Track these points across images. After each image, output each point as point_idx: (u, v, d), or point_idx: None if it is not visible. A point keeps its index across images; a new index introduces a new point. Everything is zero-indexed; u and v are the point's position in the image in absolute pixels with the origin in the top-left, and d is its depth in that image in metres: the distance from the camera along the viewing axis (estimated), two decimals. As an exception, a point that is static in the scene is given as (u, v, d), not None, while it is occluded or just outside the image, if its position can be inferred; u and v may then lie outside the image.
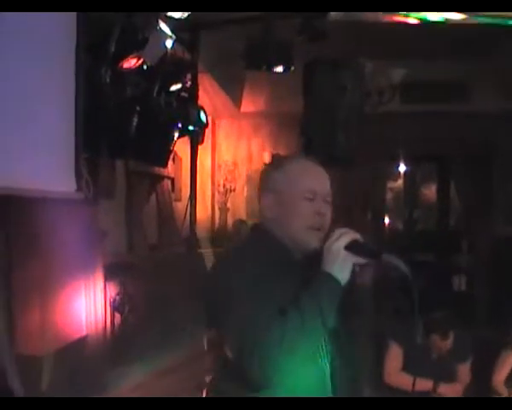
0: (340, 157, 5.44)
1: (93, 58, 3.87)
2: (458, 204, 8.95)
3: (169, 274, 5.89)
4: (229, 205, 8.65)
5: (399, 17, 5.48)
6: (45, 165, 3.33)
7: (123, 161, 5.46)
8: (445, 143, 7.73)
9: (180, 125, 5.29)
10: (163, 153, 5.32)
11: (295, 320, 1.77)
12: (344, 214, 7.98)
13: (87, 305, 4.79)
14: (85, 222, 4.60)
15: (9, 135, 3.01)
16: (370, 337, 5.05)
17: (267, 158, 8.03)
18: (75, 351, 4.58)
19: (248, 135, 8.30)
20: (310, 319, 1.79)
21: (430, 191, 10.12)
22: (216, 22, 5.35)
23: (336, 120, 5.39)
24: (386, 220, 9.55)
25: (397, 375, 4.59)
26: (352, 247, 1.90)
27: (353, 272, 1.91)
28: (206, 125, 5.68)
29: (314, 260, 1.95)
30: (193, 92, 5.61)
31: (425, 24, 5.58)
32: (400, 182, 9.96)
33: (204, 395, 3.78)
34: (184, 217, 6.14)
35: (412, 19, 5.57)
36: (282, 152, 8.00)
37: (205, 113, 5.57)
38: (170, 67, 4.79)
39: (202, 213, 7.77)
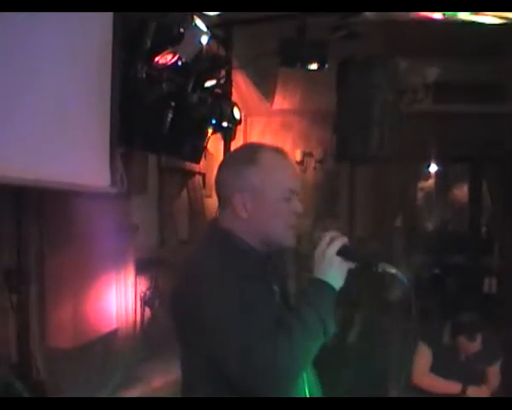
0: (373, 156, 5.42)
1: (129, 54, 3.88)
2: (490, 206, 8.85)
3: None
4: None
5: (434, 16, 5.42)
6: (80, 159, 3.35)
7: (156, 156, 5.48)
8: (477, 144, 7.65)
9: (214, 122, 5.30)
10: (196, 149, 5.33)
11: (300, 330, 1.77)
12: (374, 213, 7.94)
13: (118, 299, 4.84)
14: (118, 216, 4.65)
15: (46, 129, 3.04)
16: (398, 338, 5.04)
17: (299, 156, 7.99)
18: (105, 344, 4.63)
19: (280, 132, 8.27)
20: (313, 327, 1.80)
21: (461, 192, 10.00)
22: (251, 19, 5.34)
23: (370, 118, 5.38)
24: (417, 221, 9.46)
25: (426, 376, 4.56)
26: (343, 252, 1.89)
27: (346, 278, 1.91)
28: (240, 121, 5.68)
29: (282, 257, 1.99)
30: (227, 89, 5.62)
31: (460, 24, 5.52)
32: (431, 182, 9.86)
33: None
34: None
35: (447, 18, 5.52)
36: (313, 150, 7.99)
37: (238, 109, 5.58)
38: (205, 64, 4.79)
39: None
